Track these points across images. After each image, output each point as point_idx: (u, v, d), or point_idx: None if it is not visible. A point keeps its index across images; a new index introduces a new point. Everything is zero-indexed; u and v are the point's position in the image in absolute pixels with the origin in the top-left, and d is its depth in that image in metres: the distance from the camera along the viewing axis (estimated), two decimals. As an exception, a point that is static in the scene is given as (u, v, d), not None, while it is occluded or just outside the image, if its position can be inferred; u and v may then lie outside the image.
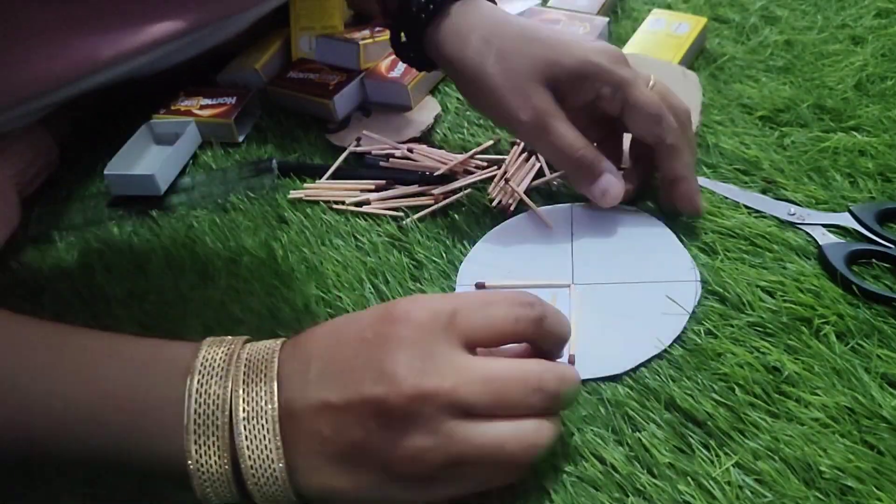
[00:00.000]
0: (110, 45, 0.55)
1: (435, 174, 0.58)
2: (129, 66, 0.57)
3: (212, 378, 0.36)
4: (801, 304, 0.45)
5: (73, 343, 0.39)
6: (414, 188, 0.58)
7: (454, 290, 0.50)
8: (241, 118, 0.68)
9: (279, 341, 0.38)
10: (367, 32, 0.69)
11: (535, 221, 0.54)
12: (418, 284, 0.51)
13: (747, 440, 0.39)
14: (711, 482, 0.38)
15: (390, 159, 0.61)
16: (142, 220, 0.61)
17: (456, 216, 0.56)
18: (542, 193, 0.56)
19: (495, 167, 0.59)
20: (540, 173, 0.58)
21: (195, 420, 0.35)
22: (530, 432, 0.35)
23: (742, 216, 0.52)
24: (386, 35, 0.62)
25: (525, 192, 0.55)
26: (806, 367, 0.42)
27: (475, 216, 0.55)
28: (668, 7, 0.74)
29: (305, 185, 0.61)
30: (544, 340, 0.39)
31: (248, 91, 0.69)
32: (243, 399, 0.35)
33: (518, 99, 0.50)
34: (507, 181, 0.56)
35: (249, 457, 0.35)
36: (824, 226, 0.50)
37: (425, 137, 0.64)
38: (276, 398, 0.35)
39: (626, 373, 0.44)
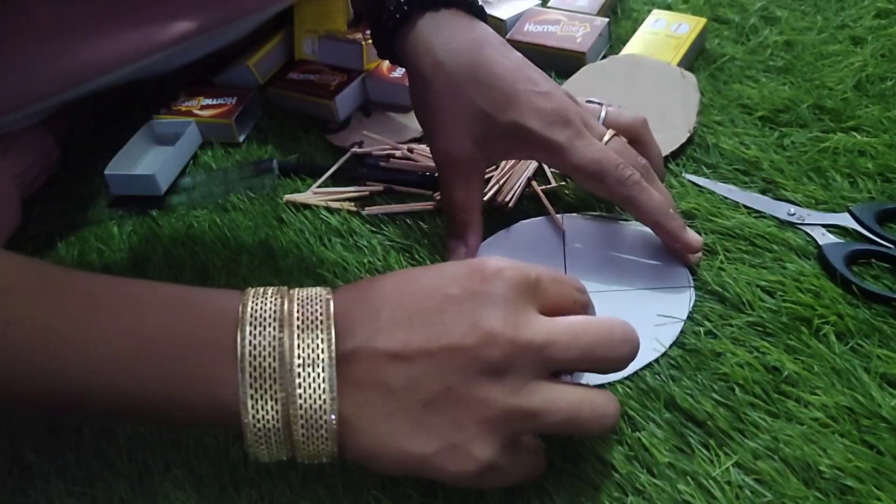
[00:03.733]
0: (116, 47, 0.55)
1: (435, 174, 0.58)
2: (134, 69, 0.57)
3: (265, 328, 0.35)
4: (800, 304, 0.45)
5: (112, 290, 0.37)
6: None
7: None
8: (241, 118, 0.68)
9: (328, 289, 0.37)
10: (368, 33, 0.69)
11: (528, 231, 0.54)
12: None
13: (747, 440, 0.39)
14: (711, 482, 0.38)
15: (391, 160, 0.62)
16: (142, 220, 0.61)
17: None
18: (534, 204, 0.56)
19: (494, 167, 0.59)
20: (540, 174, 0.58)
21: (250, 373, 0.34)
22: (602, 401, 0.36)
23: (742, 216, 0.52)
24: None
25: (519, 199, 0.56)
26: (806, 367, 0.42)
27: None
28: (668, 7, 0.74)
29: (294, 194, 0.60)
30: None
31: (248, 91, 0.69)
32: (298, 346, 0.34)
33: (443, 137, 0.50)
34: (530, 180, 0.57)
35: (301, 405, 0.34)
36: (824, 226, 0.50)
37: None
38: (333, 344, 0.34)
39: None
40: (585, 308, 0.40)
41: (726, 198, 0.54)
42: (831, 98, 0.60)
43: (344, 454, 0.35)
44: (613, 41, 0.71)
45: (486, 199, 0.56)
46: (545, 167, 0.58)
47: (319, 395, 0.34)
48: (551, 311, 0.37)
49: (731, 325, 0.45)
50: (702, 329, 0.45)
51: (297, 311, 0.35)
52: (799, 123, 0.59)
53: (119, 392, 0.35)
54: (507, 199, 0.56)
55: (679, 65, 0.64)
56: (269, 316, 0.35)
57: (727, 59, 0.66)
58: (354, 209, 0.58)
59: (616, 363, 0.37)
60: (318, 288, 0.37)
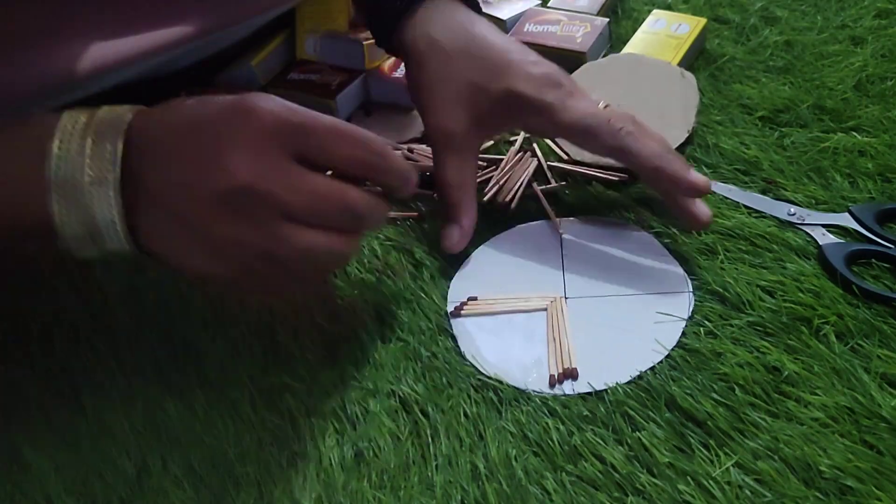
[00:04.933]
0: (117, 50, 0.55)
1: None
2: (135, 71, 0.57)
3: (71, 140, 0.38)
4: (801, 304, 0.45)
5: None
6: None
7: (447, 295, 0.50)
8: (241, 118, 0.67)
9: (135, 109, 0.40)
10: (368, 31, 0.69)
11: (526, 236, 0.54)
12: (419, 284, 0.51)
13: (747, 440, 0.39)
14: (711, 482, 0.38)
15: (390, 159, 0.61)
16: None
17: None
18: (535, 205, 0.56)
19: (493, 167, 0.59)
20: (540, 174, 0.58)
21: (55, 182, 0.37)
22: (338, 244, 0.40)
23: (742, 216, 0.52)
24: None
25: (519, 200, 0.55)
26: (806, 367, 0.42)
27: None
28: (668, 7, 0.74)
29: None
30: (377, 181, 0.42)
31: (249, 91, 0.69)
32: (91, 156, 0.38)
33: (436, 113, 0.51)
34: (530, 181, 0.56)
35: (96, 213, 0.38)
36: (824, 226, 0.50)
37: (426, 138, 0.64)
38: (119, 163, 0.38)
39: (626, 373, 0.44)
40: (377, 171, 0.41)
41: (726, 198, 0.54)
42: (831, 98, 0.60)
43: (142, 251, 0.40)
44: (614, 41, 0.71)
45: (486, 199, 0.56)
46: (545, 168, 0.58)
47: (109, 205, 0.38)
48: (327, 163, 0.40)
49: (732, 325, 0.45)
50: (702, 329, 0.45)
51: (97, 126, 0.38)
52: (799, 123, 0.59)
53: None
54: (507, 198, 0.56)
55: (679, 65, 0.64)
56: (78, 130, 0.38)
57: (727, 59, 0.66)
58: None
59: (338, 225, 0.40)
60: (124, 108, 0.40)
